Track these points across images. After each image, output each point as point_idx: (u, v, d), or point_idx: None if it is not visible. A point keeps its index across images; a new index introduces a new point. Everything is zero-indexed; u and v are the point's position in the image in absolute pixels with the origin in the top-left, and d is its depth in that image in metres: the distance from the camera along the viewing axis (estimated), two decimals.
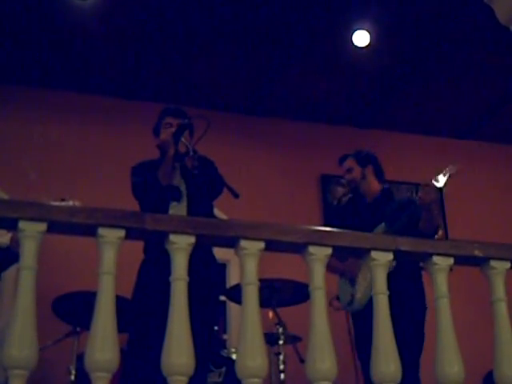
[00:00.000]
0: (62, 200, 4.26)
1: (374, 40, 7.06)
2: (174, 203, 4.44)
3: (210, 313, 4.32)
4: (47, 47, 7.02)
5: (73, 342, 5.37)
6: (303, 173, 8.14)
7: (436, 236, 5.14)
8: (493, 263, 3.24)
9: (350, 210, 5.47)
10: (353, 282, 4.98)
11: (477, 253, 3.22)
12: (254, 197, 7.31)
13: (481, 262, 3.28)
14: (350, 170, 5.42)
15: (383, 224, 5.04)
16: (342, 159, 5.50)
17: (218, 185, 4.45)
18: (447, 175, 4.86)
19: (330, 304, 5.18)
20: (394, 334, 3.01)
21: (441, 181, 4.85)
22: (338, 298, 5.23)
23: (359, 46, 7.11)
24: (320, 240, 3.09)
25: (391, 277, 4.67)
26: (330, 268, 5.20)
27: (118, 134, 7.59)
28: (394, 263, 4.79)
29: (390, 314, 3.06)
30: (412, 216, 4.92)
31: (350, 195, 5.59)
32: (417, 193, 5.17)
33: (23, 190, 6.02)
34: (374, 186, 5.37)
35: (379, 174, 5.42)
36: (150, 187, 4.42)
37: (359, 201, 5.40)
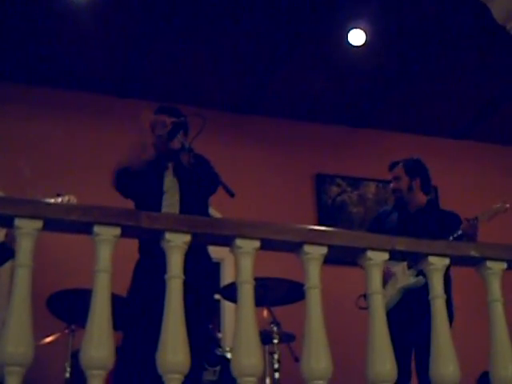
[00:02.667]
0: (58, 195, 4.26)
1: (369, 39, 7.05)
2: (167, 202, 4.43)
3: (205, 311, 4.32)
4: (42, 45, 7.03)
5: (68, 340, 5.41)
6: (298, 172, 8.17)
7: None
8: (489, 264, 3.25)
9: (391, 218, 5.51)
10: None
11: (473, 253, 3.23)
12: (248, 196, 7.31)
13: (477, 263, 3.28)
14: (396, 179, 5.47)
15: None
16: (392, 166, 5.55)
17: (214, 182, 4.43)
18: (494, 212, 4.98)
19: (356, 302, 5.25)
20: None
21: (486, 216, 4.98)
22: (364, 297, 5.24)
23: (355, 44, 7.10)
24: (316, 239, 3.11)
25: (421, 292, 4.73)
26: None
27: (112, 131, 7.60)
28: (424, 280, 4.89)
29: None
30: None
31: (394, 203, 5.65)
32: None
33: (18, 188, 6.01)
34: (419, 198, 5.46)
35: (426, 185, 5.49)
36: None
37: (401, 210, 5.46)
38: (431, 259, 3.18)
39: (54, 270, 6.31)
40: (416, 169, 5.49)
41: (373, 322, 3.05)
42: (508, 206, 5.18)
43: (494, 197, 8.36)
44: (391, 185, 5.53)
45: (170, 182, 4.52)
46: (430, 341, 3.13)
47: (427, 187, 5.48)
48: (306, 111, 8.29)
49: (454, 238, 5.03)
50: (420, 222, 5.27)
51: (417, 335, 4.96)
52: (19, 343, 2.57)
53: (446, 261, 3.20)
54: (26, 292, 2.66)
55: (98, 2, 6.53)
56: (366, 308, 5.15)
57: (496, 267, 3.25)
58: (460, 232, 5.05)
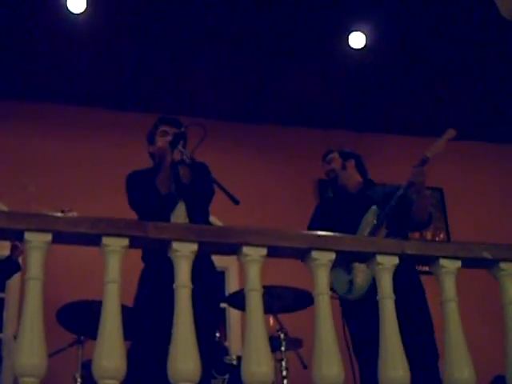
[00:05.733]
0: (62, 212, 4.33)
1: (370, 42, 7.11)
2: (175, 213, 4.49)
3: (212, 320, 4.37)
4: (46, 62, 7.14)
5: (78, 351, 5.60)
6: (300, 178, 8.23)
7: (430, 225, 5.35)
8: (502, 265, 3.27)
9: (334, 206, 5.49)
10: (349, 269, 4.93)
11: (485, 255, 3.26)
12: (250, 203, 7.34)
13: (490, 265, 3.32)
14: (329, 162, 5.52)
15: (374, 207, 5.12)
16: (326, 154, 5.59)
17: (211, 192, 4.50)
18: (443, 142, 4.99)
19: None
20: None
21: (436, 150, 5.00)
22: (331, 290, 5.20)
23: (355, 47, 7.15)
24: (324, 245, 3.17)
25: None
26: None
27: (116, 145, 7.72)
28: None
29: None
30: (401, 198, 5.01)
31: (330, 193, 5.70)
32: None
33: (23, 204, 6.09)
34: (355, 177, 5.47)
35: (361, 169, 5.52)
36: (149, 198, 4.44)
37: (342, 194, 5.47)
38: (442, 262, 3.22)
39: (62, 283, 6.38)
40: (349, 153, 5.54)
41: (384, 327, 3.10)
42: (453, 130, 5.18)
43: (508, 198, 8.52)
44: (324, 169, 5.55)
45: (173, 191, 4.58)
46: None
47: (362, 169, 5.52)
48: (305, 117, 8.36)
49: (399, 198, 5.01)
50: (365, 200, 5.26)
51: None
52: (33, 355, 2.66)
53: (458, 263, 3.23)
54: (38, 304, 2.75)
55: (97, 16, 6.59)
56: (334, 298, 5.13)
57: (510, 268, 3.27)
58: (404, 187, 5.04)
